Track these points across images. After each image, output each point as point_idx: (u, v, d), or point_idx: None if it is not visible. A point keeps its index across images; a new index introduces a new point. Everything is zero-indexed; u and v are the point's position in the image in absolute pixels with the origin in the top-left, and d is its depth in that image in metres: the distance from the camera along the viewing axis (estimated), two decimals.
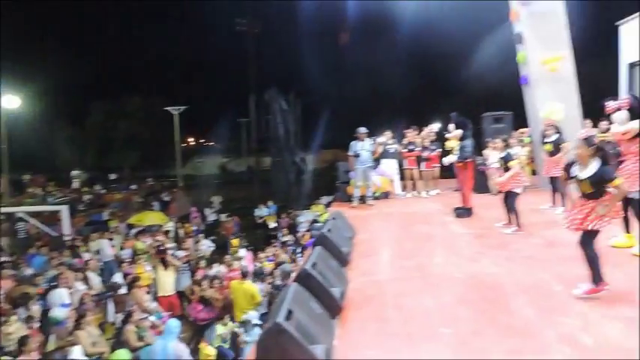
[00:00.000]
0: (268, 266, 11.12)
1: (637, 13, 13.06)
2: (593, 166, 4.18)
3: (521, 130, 11.88)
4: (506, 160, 7.21)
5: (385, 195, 11.41)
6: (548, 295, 4.38)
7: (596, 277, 4.13)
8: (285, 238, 14.46)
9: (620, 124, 5.31)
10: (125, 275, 9.56)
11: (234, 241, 13.75)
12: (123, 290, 8.75)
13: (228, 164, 42.35)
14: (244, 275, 9.08)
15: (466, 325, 3.87)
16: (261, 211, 18.34)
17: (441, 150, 11.22)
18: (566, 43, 10.90)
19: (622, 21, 13.96)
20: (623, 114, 5.27)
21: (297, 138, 21.26)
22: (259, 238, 17.21)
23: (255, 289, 8.95)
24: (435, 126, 11.76)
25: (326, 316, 3.85)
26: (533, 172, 10.89)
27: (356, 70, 16.38)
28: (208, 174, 33.93)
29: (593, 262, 4.15)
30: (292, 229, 16.44)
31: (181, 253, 11.11)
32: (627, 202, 5.44)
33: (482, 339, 3.63)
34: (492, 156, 11.02)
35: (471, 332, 3.75)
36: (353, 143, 10.24)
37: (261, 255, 11.99)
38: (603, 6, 14.61)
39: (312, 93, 18.29)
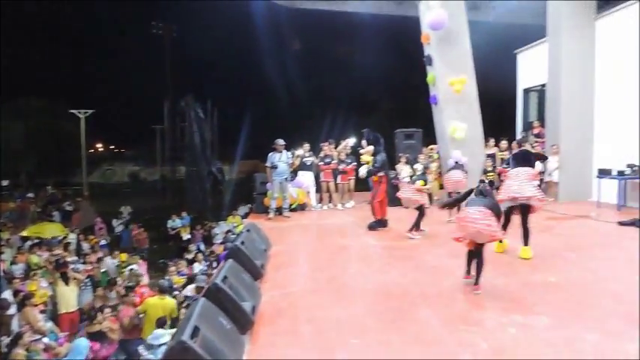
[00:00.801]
0: (179, 281, 10.65)
1: (532, 43, 14.46)
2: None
3: (431, 146, 12.59)
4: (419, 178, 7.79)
5: (302, 207, 11.50)
6: (451, 303, 4.63)
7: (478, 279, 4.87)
8: (197, 250, 13.96)
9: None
10: (16, 293, 8.65)
11: (122, 256, 12.69)
12: (12, 310, 7.90)
13: (140, 172, 40.38)
14: (163, 291, 8.47)
15: (374, 335, 3.96)
16: (174, 223, 17.58)
17: (355, 164, 11.56)
18: (470, 67, 11.77)
19: (519, 50, 15.35)
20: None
21: (213, 147, 20.78)
22: (171, 251, 16.52)
23: (174, 304, 8.46)
24: (351, 140, 12.10)
25: (236, 332, 3.75)
26: (441, 187, 11.50)
27: (276, 81, 16.40)
28: (118, 182, 32.06)
29: (481, 266, 4.88)
30: (207, 241, 15.98)
31: (82, 267, 10.32)
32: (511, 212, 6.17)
33: (389, 348, 3.73)
34: (404, 170, 11.58)
35: (378, 342, 3.84)
36: (270, 155, 10.23)
37: (172, 268, 11.46)
38: (505, 34, 15.97)
39: (231, 102, 17.97)
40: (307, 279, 5.71)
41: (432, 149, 12.43)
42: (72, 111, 26.97)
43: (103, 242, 14.76)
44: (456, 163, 10.06)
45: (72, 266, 9.83)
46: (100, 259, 11.70)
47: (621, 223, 8.54)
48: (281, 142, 10.32)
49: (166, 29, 20.45)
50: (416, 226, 7.83)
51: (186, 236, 16.95)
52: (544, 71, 12.57)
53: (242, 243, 5.59)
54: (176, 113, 19.84)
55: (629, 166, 10.20)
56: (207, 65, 17.09)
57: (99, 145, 45.33)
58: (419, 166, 11.64)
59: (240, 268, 4.86)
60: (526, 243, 6.10)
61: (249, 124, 18.31)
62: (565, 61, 11.67)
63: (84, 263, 10.96)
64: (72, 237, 13.86)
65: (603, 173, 10.67)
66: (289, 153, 10.58)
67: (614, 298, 4.61)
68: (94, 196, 26.61)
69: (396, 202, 11.50)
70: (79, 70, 33.01)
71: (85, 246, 13.61)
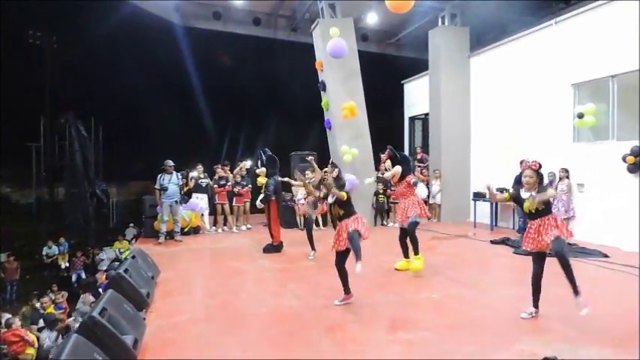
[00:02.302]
0: (55, 314, 9.57)
1: (416, 75, 15.63)
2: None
3: (325, 169, 12.87)
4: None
5: (195, 230, 11.09)
6: (342, 324, 4.71)
7: (346, 289, 5.27)
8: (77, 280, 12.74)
9: (388, 170, 6.94)
10: None
11: None
12: None
13: (12, 194, 36.14)
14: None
15: None
16: (51, 250, 15.90)
17: (250, 186, 11.48)
18: (360, 94, 12.37)
19: (405, 80, 16.51)
20: (388, 162, 6.92)
21: (98, 167, 19.29)
22: (47, 281, 14.86)
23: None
24: (247, 163, 12.00)
25: None
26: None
27: (168, 100, 15.77)
28: None
29: (342, 276, 5.26)
30: (90, 269, 14.66)
31: None
32: (404, 232, 6.70)
33: None
34: (300, 193, 11.73)
35: None
36: (159, 176, 9.77)
37: (45, 299, 10.29)
38: (395, 65, 17.09)
39: (120, 119, 16.89)
40: (198, 306, 5.46)
41: (325, 172, 12.73)
42: None
43: None
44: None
45: None
46: None
47: (493, 242, 9.44)
48: (170, 163, 9.92)
49: (45, 40, 18.77)
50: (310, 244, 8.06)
51: (64, 264, 15.41)
52: (427, 101, 13.67)
53: (125, 271, 5.21)
54: (55, 130, 18.13)
55: (499, 190, 11.34)
56: (92, 80, 15.94)
57: None
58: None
59: (121, 298, 4.50)
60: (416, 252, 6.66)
61: (139, 144, 17.29)
62: (444, 92, 12.80)
63: None
64: None
65: (478, 196, 11.76)
66: (179, 174, 10.18)
67: (489, 313, 5.03)
68: None
69: (291, 223, 11.63)
70: None
71: None
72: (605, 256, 7.85)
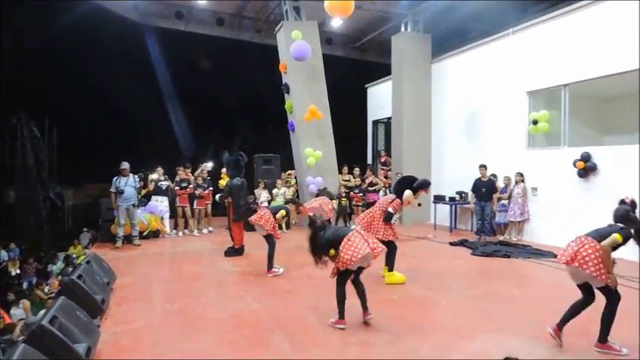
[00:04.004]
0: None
1: (380, 80, 15.85)
2: None
3: (288, 171, 12.88)
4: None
5: (155, 234, 10.83)
6: (302, 327, 4.69)
7: (341, 314, 4.61)
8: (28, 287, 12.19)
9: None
10: None
11: None
12: None
13: None
14: None
15: None
16: (0, 255, 15.16)
17: (212, 188, 11.32)
18: (324, 96, 12.43)
19: (369, 84, 16.72)
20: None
21: (52, 169, 18.53)
22: None
23: None
24: (208, 165, 11.83)
25: None
26: (298, 212, 11.76)
27: (128, 101, 15.32)
28: None
29: (339, 300, 4.62)
30: (43, 275, 14.04)
31: None
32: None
33: None
34: (262, 195, 11.65)
35: None
36: (115, 179, 9.49)
37: None
38: (359, 69, 17.26)
39: (77, 120, 16.27)
40: (155, 312, 5.32)
41: (289, 174, 12.73)
42: None
43: None
44: (319, 189, 10.53)
45: None
46: None
47: (452, 244, 9.66)
48: (126, 165, 9.64)
49: None
50: (269, 262, 7.09)
51: (15, 271, 14.70)
52: (390, 105, 13.87)
53: (79, 277, 5.02)
54: (6, 130, 17.27)
55: (458, 193, 11.63)
56: (47, 79, 15.27)
57: None
58: (278, 192, 11.84)
59: (74, 305, 4.33)
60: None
61: (96, 145, 16.71)
62: (406, 97, 13.03)
63: None
64: None
65: (438, 199, 12.02)
66: (136, 176, 9.92)
67: (447, 314, 5.13)
68: None
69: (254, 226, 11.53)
70: None
71: None
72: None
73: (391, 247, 6.31)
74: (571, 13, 9.25)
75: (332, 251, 4.50)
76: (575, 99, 9.51)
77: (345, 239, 4.48)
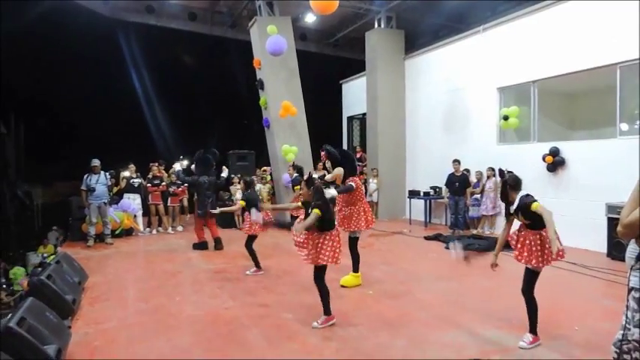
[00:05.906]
0: None
1: (354, 76, 15.88)
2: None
3: (264, 168, 12.83)
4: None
5: (127, 232, 10.66)
6: (279, 324, 4.69)
7: (326, 310, 4.57)
8: None
9: (329, 171, 6.04)
10: None
11: None
12: None
13: None
14: None
15: None
16: None
17: (186, 185, 11.19)
18: (298, 92, 12.39)
19: (343, 80, 16.75)
20: (328, 163, 6.02)
21: (19, 167, 17.97)
22: None
23: None
24: (184, 162, 11.70)
25: None
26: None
27: (100, 96, 14.93)
28: None
29: (323, 295, 4.57)
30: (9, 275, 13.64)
31: None
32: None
33: None
34: (238, 193, 11.57)
35: None
36: (86, 176, 9.30)
37: None
38: (333, 65, 17.24)
39: (45, 116, 15.79)
40: (128, 311, 5.23)
41: (264, 171, 12.68)
42: None
43: None
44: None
45: None
46: None
47: (427, 238, 9.80)
48: (97, 162, 9.47)
49: None
50: (255, 263, 6.96)
51: None
52: (365, 101, 13.94)
53: (48, 277, 4.90)
54: None
55: (432, 188, 11.80)
56: (12, 74, 14.78)
57: None
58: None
59: (43, 306, 4.22)
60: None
61: (66, 142, 16.27)
62: (380, 93, 13.11)
63: None
64: None
65: (412, 194, 12.16)
66: (107, 174, 9.74)
67: (421, 307, 5.21)
68: None
69: (229, 223, 11.47)
70: None
71: None
72: None
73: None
74: (539, 12, 9.45)
75: (317, 211, 4.35)
76: (544, 95, 9.75)
77: (330, 237, 4.48)
